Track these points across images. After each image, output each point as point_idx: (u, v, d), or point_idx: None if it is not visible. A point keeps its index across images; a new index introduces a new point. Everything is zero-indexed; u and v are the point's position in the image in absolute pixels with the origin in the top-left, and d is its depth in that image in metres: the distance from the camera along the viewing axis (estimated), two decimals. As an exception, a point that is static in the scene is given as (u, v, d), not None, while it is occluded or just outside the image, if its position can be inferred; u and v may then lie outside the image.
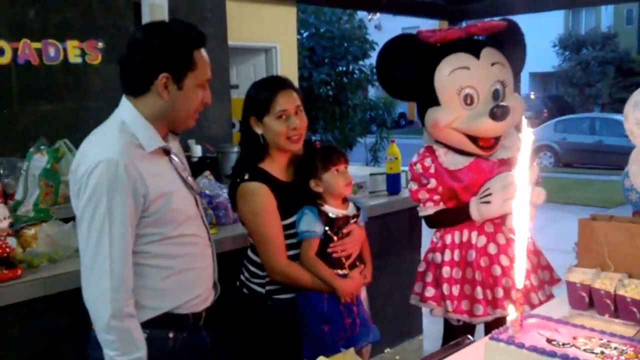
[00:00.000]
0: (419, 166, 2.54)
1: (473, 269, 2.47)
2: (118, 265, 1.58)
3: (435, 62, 2.48)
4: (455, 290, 2.49)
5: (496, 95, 2.46)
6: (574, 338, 1.43)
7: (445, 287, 2.50)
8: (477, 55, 2.45)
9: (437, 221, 2.57)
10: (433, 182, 2.50)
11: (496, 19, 2.71)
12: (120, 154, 1.59)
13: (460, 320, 2.50)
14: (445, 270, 2.50)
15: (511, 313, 1.45)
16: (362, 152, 12.52)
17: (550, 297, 2.49)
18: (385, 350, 3.68)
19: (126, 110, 1.69)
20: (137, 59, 1.66)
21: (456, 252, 2.51)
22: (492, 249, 2.47)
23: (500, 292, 2.44)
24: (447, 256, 2.52)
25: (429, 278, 2.57)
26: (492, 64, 2.46)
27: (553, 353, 1.34)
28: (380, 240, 3.49)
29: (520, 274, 1.43)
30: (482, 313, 2.45)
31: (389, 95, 2.79)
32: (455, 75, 2.44)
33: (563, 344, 1.40)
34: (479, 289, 2.45)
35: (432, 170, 2.51)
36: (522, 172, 1.40)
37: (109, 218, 1.56)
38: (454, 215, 2.51)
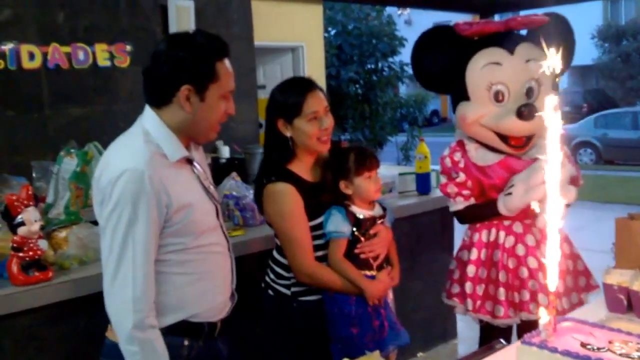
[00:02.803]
0: (448, 160, 2.51)
1: (497, 269, 2.43)
2: (141, 275, 1.57)
3: (468, 56, 2.44)
4: (480, 289, 2.45)
5: (530, 93, 2.39)
6: (610, 342, 1.40)
7: (468, 285, 2.47)
8: (511, 50, 2.39)
9: (467, 216, 2.53)
10: (462, 176, 2.46)
11: (540, 12, 2.58)
12: (145, 164, 1.58)
13: (482, 320, 2.48)
14: (470, 269, 2.47)
15: (543, 316, 1.42)
16: (393, 151, 12.43)
17: (578, 304, 2.41)
18: (418, 354, 3.62)
19: (150, 119, 1.68)
20: (160, 71, 1.65)
21: (483, 251, 2.47)
22: (520, 250, 2.41)
23: (526, 295, 2.38)
24: (474, 254, 2.48)
25: (456, 275, 2.56)
26: (527, 61, 2.37)
27: (587, 357, 1.31)
28: (411, 242, 3.44)
29: (553, 276, 1.39)
30: (502, 315, 2.40)
31: (423, 88, 2.75)
32: (486, 71, 2.39)
33: (598, 349, 1.37)
34: (501, 290, 2.40)
35: (461, 165, 2.47)
36: (553, 169, 1.35)
37: (133, 228, 1.56)
38: (484, 210, 2.46)
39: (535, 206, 2.21)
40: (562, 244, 2.41)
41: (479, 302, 2.44)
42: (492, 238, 2.46)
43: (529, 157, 2.42)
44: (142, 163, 1.58)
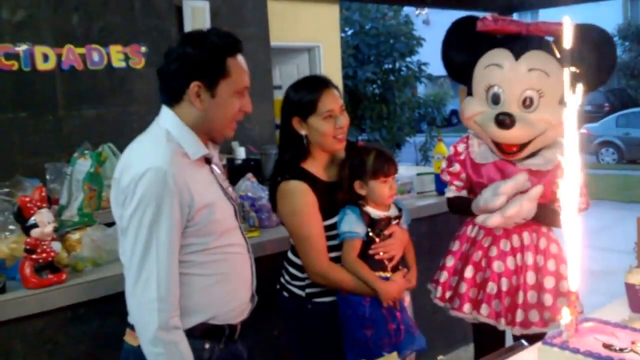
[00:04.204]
0: (451, 148, 2.54)
1: (468, 264, 2.43)
2: (165, 275, 1.56)
3: (483, 52, 2.40)
4: (453, 280, 2.46)
5: (527, 103, 2.30)
6: (633, 343, 1.38)
7: (444, 274, 2.49)
8: (517, 56, 2.32)
9: (455, 207, 2.56)
10: (456, 167, 2.47)
11: (576, 21, 2.45)
12: (168, 163, 1.57)
13: (446, 308, 2.48)
14: (449, 259, 2.50)
15: (565, 317, 1.39)
16: (412, 152, 12.38)
17: (537, 323, 2.29)
18: (439, 358, 3.56)
19: (169, 119, 1.68)
20: (171, 68, 1.65)
21: (465, 245, 2.49)
22: (493, 251, 2.39)
23: (481, 295, 2.36)
24: (456, 246, 2.51)
25: (441, 262, 2.58)
26: (530, 70, 2.30)
27: (609, 358, 1.29)
28: (430, 243, 3.38)
29: (574, 277, 1.36)
30: (457, 307, 2.40)
31: (449, 78, 2.73)
32: (488, 71, 2.37)
33: (620, 349, 1.35)
34: (463, 284, 2.40)
35: (461, 157, 2.47)
36: (569, 177, 1.32)
37: (157, 227, 1.54)
38: (466, 205, 2.45)
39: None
40: (549, 260, 2.35)
41: (448, 293, 2.45)
42: (473, 234, 2.47)
43: (525, 165, 2.35)
44: (165, 162, 1.57)
